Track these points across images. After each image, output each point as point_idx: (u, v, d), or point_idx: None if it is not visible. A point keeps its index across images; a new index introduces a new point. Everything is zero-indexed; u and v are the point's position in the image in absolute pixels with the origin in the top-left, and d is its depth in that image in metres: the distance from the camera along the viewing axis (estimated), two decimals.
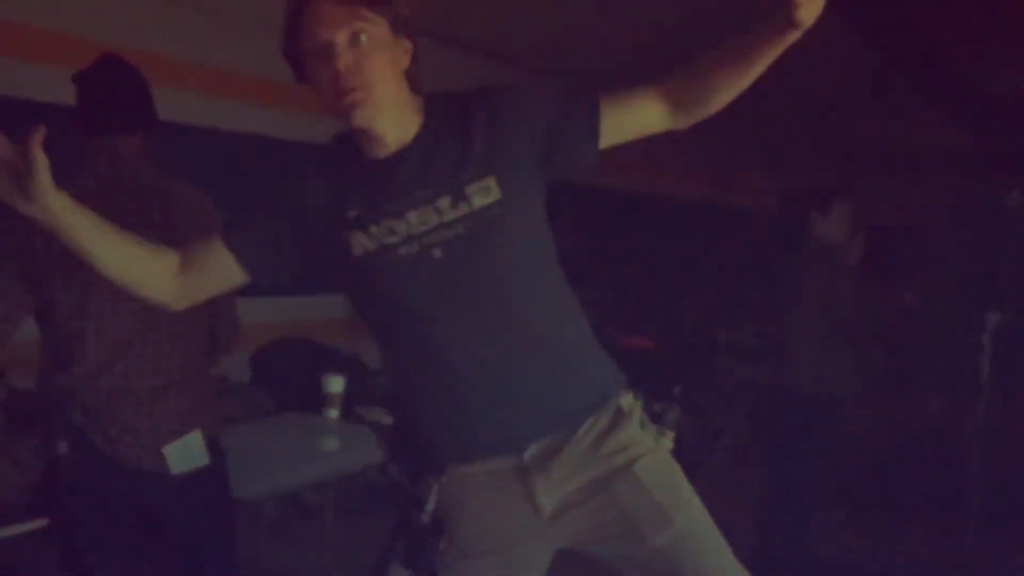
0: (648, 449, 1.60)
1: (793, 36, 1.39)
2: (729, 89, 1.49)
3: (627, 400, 1.63)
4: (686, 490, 1.61)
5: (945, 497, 4.64)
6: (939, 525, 4.46)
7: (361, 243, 1.51)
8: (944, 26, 4.57)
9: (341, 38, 1.42)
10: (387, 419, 3.12)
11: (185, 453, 2.00)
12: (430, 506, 1.64)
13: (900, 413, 5.55)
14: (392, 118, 1.49)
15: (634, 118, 1.56)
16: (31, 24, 3.31)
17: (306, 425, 3.16)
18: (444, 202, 1.48)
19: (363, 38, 1.43)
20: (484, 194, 1.48)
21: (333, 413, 3.20)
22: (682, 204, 7.83)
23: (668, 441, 1.69)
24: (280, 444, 2.91)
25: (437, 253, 1.48)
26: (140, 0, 3.61)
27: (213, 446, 2.08)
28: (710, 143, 6.95)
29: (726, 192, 8.51)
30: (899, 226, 7.24)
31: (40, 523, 2.10)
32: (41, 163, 1.30)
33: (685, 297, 7.14)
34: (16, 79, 3.24)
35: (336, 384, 3.22)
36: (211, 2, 3.86)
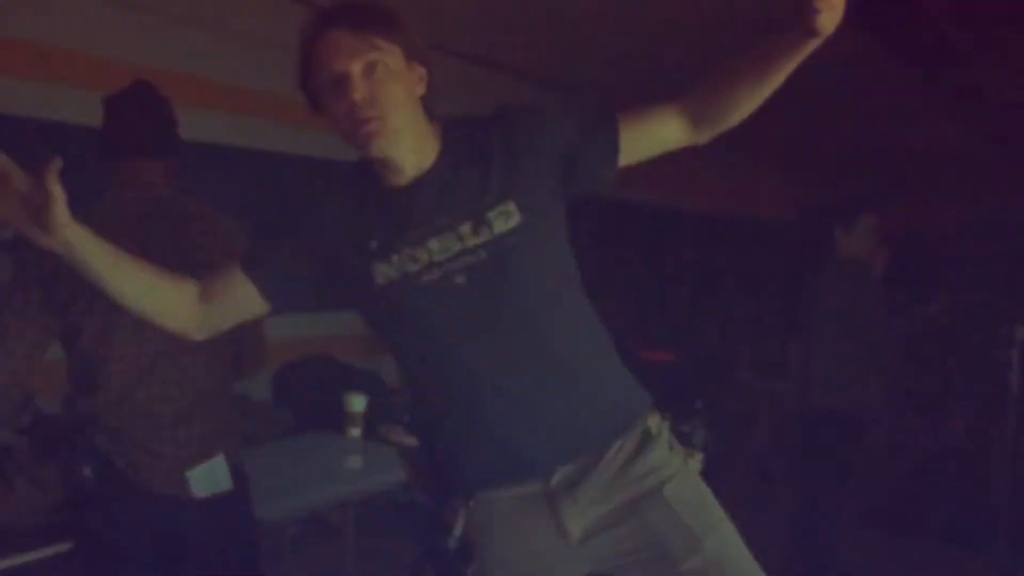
0: (677, 471, 1.58)
1: (813, 45, 1.37)
2: (749, 102, 1.48)
3: (654, 421, 1.61)
4: (717, 512, 1.58)
5: (974, 514, 4.58)
6: (969, 542, 4.40)
7: (383, 272, 1.50)
8: (968, 32, 4.53)
9: (356, 69, 1.42)
10: (410, 440, 3.10)
11: (208, 477, 1.99)
12: (457, 532, 1.61)
13: (928, 429, 5.49)
14: (409, 146, 1.48)
15: (653, 135, 1.55)
16: (52, 45, 3.34)
17: (328, 445, 3.16)
18: (465, 228, 1.47)
19: (378, 68, 1.43)
20: (505, 219, 1.47)
21: (355, 432, 3.20)
22: (703, 216, 7.80)
23: (697, 463, 1.66)
24: (302, 464, 2.91)
25: (460, 279, 1.47)
26: (158, 20, 3.63)
27: (236, 469, 2.07)
28: (730, 154, 6.92)
29: (747, 204, 8.47)
30: (923, 236, 7.17)
31: (64, 546, 2.11)
32: (58, 196, 1.30)
33: (706, 310, 7.11)
34: (38, 100, 3.27)
35: (358, 403, 3.22)
36: (233, 23, 3.89)
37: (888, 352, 3.64)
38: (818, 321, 3.68)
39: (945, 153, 6.99)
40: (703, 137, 1.55)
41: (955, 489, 4.83)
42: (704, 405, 4.31)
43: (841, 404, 3.59)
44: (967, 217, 7.53)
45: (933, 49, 4.81)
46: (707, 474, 1.66)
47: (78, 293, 1.89)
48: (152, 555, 2.01)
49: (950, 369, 5.19)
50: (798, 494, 3.82)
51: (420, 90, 1.50)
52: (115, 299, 1.49)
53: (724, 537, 1.56)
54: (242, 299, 1.56)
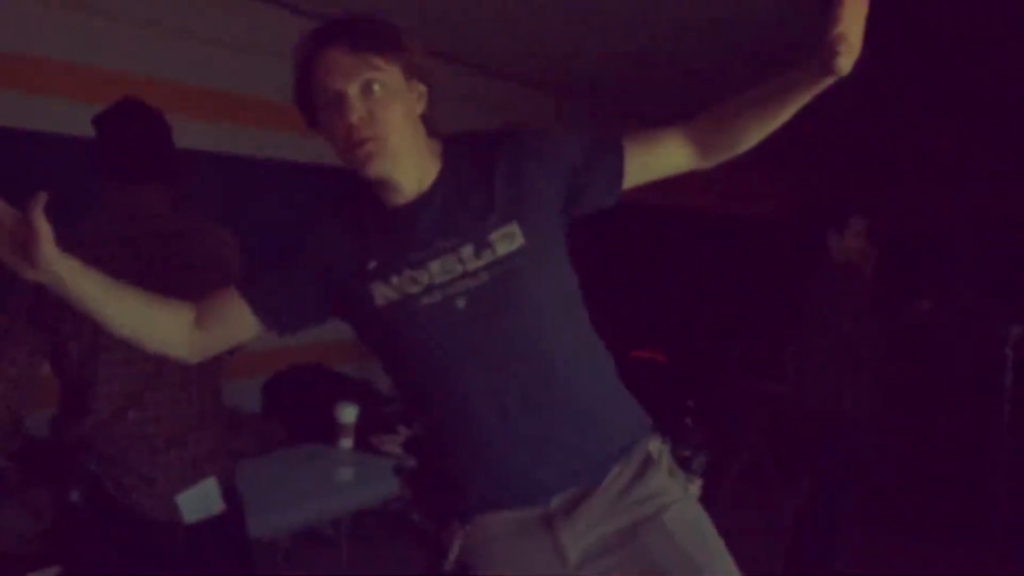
0: (677, 498, 1.56)
1: (828, 83, 1.36)
2: (757, 133, 1.48)
3: (655, 446, 1.59)
4: (717, 543, 1.56)
5: (971, 512, 4.59)
6: (965, 541, 4.40)
7: (383, 294, 1.48)
8: (954, 33, 4.53)
9: (353, 89, 1.39)
10: (400, 450, 3.08)
11: (200, 501, 1.96)
12: (453, 554, 1.60)
13: (922, 428, 5.50)
14: (409, 166, 1.46)
15: (658, 160, 1.54)
16: (43, 55, 3.29)
17: (320, 457, 3.13)
18: (467, 251, 1.45)
19: (376, 88, 1.40)
20: (508, 241, 1.45)
21: (347, 443, 3.18)
22: (695, 216, 7.78)
23: (696, 488, 1.64)
24: (294, 479, 2.88)
25: (460, 303, 1.45)
26: (144, 28, 3.60)
27: (229, 491, 2.05)
28: None
29: (739, 203, 8.45)
30: (916, 235, 7.17)
31: (54, 571, 2.07)
32: (45, 233, 1.27)
33: (698, 310, 7.10)
34: (30, 111, 3.22)
35: (349, 414, 3.19)
36: (225, 33, 3.86)
37: (873, 354, 3.64)
38: (808, 325, 3.70)
39: (936, 149, 6.99)
40: (708, 163, 1.54)
41: (951, 488, 4.83)
42: (696, 405, 4.31)
43: (831, 406, 3.59)
44: (961, 216, 7.53)
45: (925, 51, 4.81)
46: (703, 477, 1.65)
47: (66, 314, 1.85)
48: None
49: (944, 367, 5.20)
50: (795, 495, 3.81)
51: (420, 108, 1.48)
52: (108, 328, 1.46)
53: (723, 566, 1.54)
54: (239, 321, 1.54)
